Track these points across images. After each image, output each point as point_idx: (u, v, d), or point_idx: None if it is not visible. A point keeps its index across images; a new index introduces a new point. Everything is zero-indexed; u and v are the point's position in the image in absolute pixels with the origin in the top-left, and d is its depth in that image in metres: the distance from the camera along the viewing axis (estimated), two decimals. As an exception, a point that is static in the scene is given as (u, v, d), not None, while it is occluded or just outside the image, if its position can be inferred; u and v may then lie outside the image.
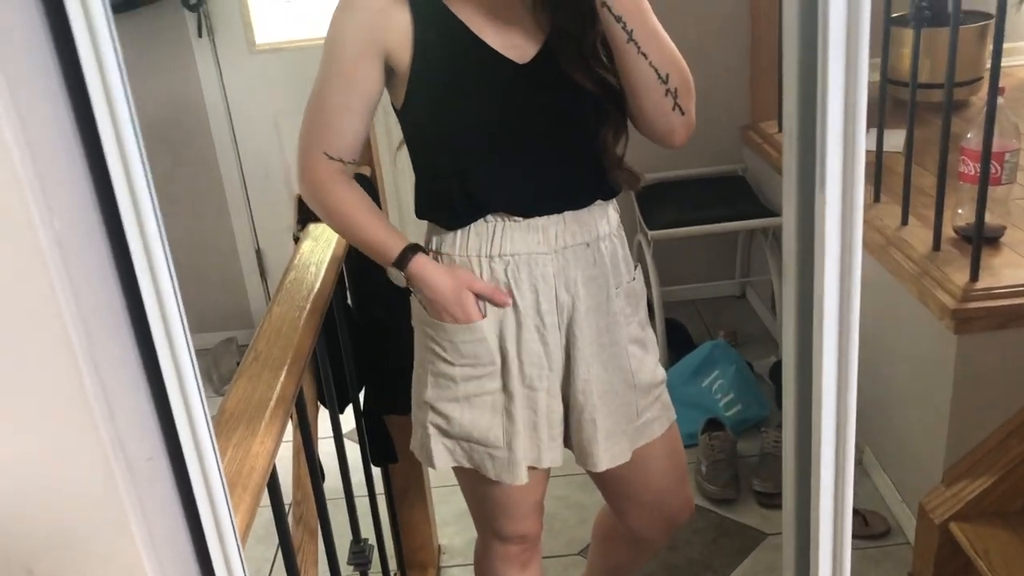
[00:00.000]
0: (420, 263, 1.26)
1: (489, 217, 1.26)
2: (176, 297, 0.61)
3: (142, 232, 0.59)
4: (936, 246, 1.92)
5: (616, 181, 1.30)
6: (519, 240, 1.26)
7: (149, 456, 0.64)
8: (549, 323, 1.29)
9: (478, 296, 1.26)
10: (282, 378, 1.11)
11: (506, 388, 1.31)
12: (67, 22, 0.58)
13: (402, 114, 1.27)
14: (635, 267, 1.39)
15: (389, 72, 1.22)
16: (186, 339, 0.62)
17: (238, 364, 3.66)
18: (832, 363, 0.62)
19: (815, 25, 0.51)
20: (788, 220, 0.62)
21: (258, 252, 3.37)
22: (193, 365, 0.63)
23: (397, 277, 1.35)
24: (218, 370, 3.17)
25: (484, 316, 1.27)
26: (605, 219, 1.32)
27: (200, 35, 3.06)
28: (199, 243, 3.29)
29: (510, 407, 1.31)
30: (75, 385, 0.58)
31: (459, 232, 1.27)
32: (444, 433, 1.34)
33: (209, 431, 0.64)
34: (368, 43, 1.19)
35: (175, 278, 0.61)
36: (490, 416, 1.32)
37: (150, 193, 0.60)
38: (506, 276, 1.27)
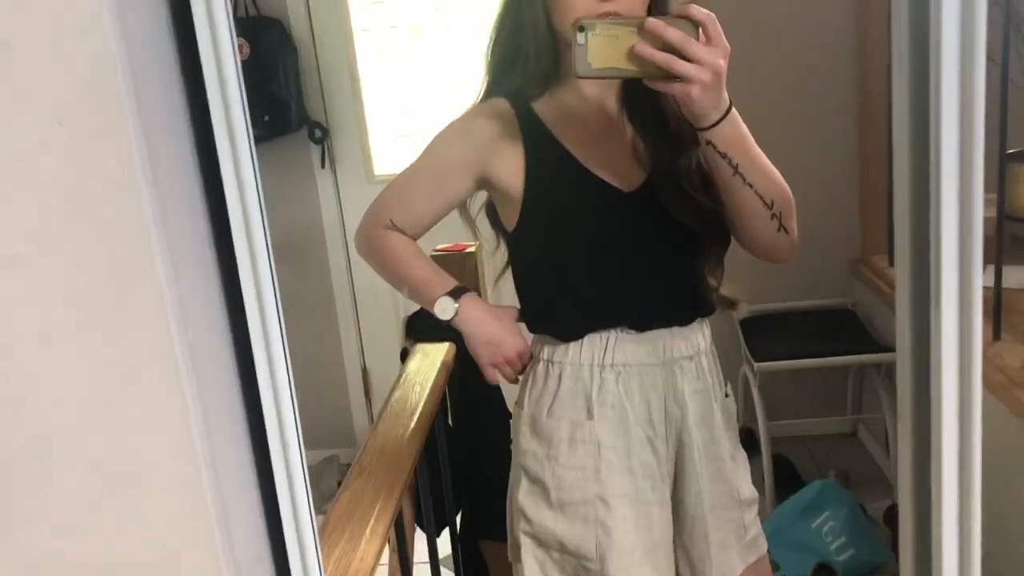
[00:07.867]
0: (469, 302, 1.32)
1: (602, 329, 1.28)
2: (295, 416, 0.64)
3: (270, 361, 0.63)
4: (1065, 388, 1.81)
5: (712, 302, 1.34)
6: (630, 351, 1.28)
7: (258, 558, 0.66)
8: (660, 433, 1.29)
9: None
10: (383, 496, 1.12)
11: (604, 498, 1.28)
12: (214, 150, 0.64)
13: (513, 235, 1.32)
14: (726, 383, 1.40)
15: (495, 194, 1.32)
16: (301, 457, 0.64)
17: (339, 483, 3.68)
18: (952, 516, 0.59)
19: (927, 153, 0.52)
20: (902, 355, 0.61)
21: (364, 371, 3.45)
22: (305, 480, 0.65)
23: (443, 311, 1.34)
24: (319, 488, 3.20)
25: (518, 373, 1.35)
26: (702, 335, 1.34)
27: (323, 166, 3.26)
28: (308, 361, 3.39)
29: (606, 519, 1.27)
30: (197, 488, 0.60)
31: (572, 343, 1.29)
32: (537, 542, 1.30)
33: (317, 553, 0.66)
34: (470, 161, 1.29)
35: (295, 401, 0.64)
36: (582, 527, 1.28)
37: (280, 325, 0.63)
38: (617, 386, 1.28)
